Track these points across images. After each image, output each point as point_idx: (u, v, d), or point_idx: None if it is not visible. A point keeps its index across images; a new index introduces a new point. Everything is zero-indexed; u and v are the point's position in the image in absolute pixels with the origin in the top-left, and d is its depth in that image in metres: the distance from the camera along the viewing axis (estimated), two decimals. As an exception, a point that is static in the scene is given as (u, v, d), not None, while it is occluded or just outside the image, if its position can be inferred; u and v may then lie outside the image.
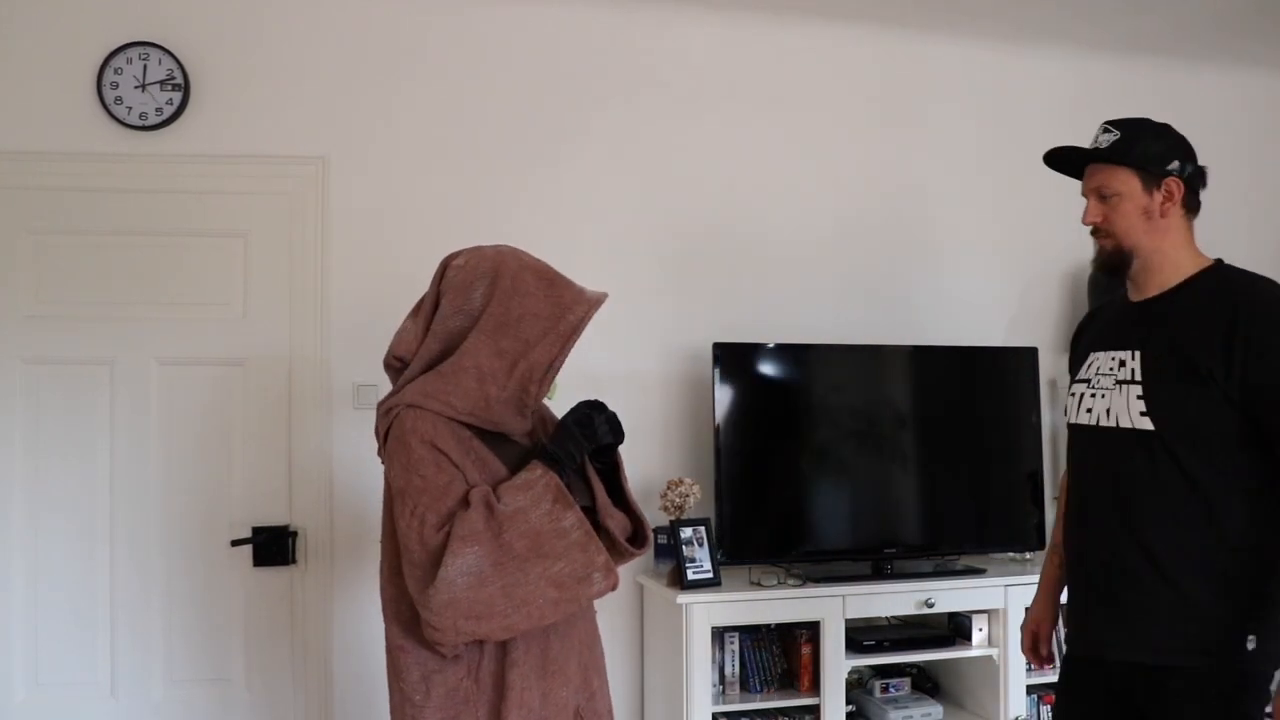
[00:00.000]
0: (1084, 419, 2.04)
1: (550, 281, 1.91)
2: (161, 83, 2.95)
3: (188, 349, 2.96)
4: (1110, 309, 2.16)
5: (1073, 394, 2.10)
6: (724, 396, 3.10)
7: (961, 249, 3.57)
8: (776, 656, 3.03)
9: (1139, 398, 1.92)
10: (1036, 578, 3.11)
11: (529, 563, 1.75)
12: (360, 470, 2.96)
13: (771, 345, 3.19)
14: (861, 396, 3.27)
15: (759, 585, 2.95)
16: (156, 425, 2.94)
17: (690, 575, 2.90)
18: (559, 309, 1.88)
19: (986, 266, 3.59)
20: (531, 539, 1.76)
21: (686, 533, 2.95)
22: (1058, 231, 3.69)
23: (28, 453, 2.88)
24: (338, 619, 2.99)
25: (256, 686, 2.97)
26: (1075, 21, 3.58)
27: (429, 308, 1.93)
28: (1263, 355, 1.81)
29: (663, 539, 3.14)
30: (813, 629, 2.96)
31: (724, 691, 2.96)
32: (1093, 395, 2.02)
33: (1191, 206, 1.99)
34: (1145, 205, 1.96)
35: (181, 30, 2.98)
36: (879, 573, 3.14)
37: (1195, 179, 1.98)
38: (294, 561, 2.98)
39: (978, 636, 3.11)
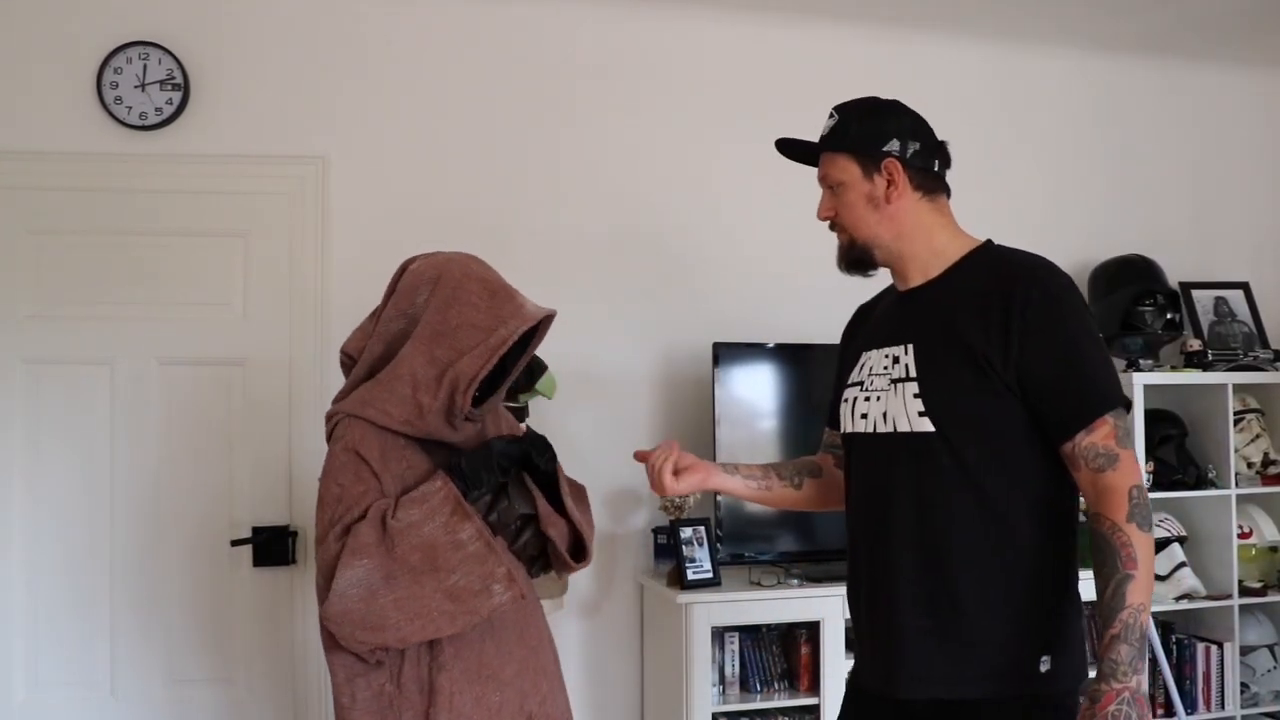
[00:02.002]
0: (860, 426, 1.81)
1: (494, 294, 1.89)
2: (161, 82, 2.95)
3: (188, 349, 2.96)
4: (881, 304, 1.96)
5: (845, 400, 1.87)
6: (724, 396, 3.10)
7: (961, 249, 3.57)
8: (776, 656, 3.03)
9: (916, 396, 1.71)
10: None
11: (423, 575, 1.75)
12: (360, 470, 2.96)
13: (771, 345, 3.19)
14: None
15: (759, 585, 2.95)
16: (156, 425, 2.94)
17: (690, 575, 2.90)
18: (496, 321, 1.86)
19: (986, 266, 3.59)
20: (425, 551, 1.75)
21: (686, 533, 2.94)
22: (1057, 231, 3.69)
23: (28, 453, 2.88)
24: (338, 619, 2.99)
25: (256, 686, 2.97)
26: (1080, 20, 3.57)
27: (379, 308, 1.95)
28: (1038, 335, 1.65)
29: (663, 539, 3.14)
30: (813, 629, 2.96)
31: (724, 691, 2.96)
32: (867, 399, 1.81)
33: (929, 188, 1.80)
34: (868, 192, 1.79)
35: (181, 30, 2.98)
36: (879, 573, 3.13)
37: (923, 158, 1.79)
38: (294, 561, 2.98)
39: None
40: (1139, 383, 3.36)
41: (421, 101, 3.15)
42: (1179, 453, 3.52)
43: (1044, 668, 1.67)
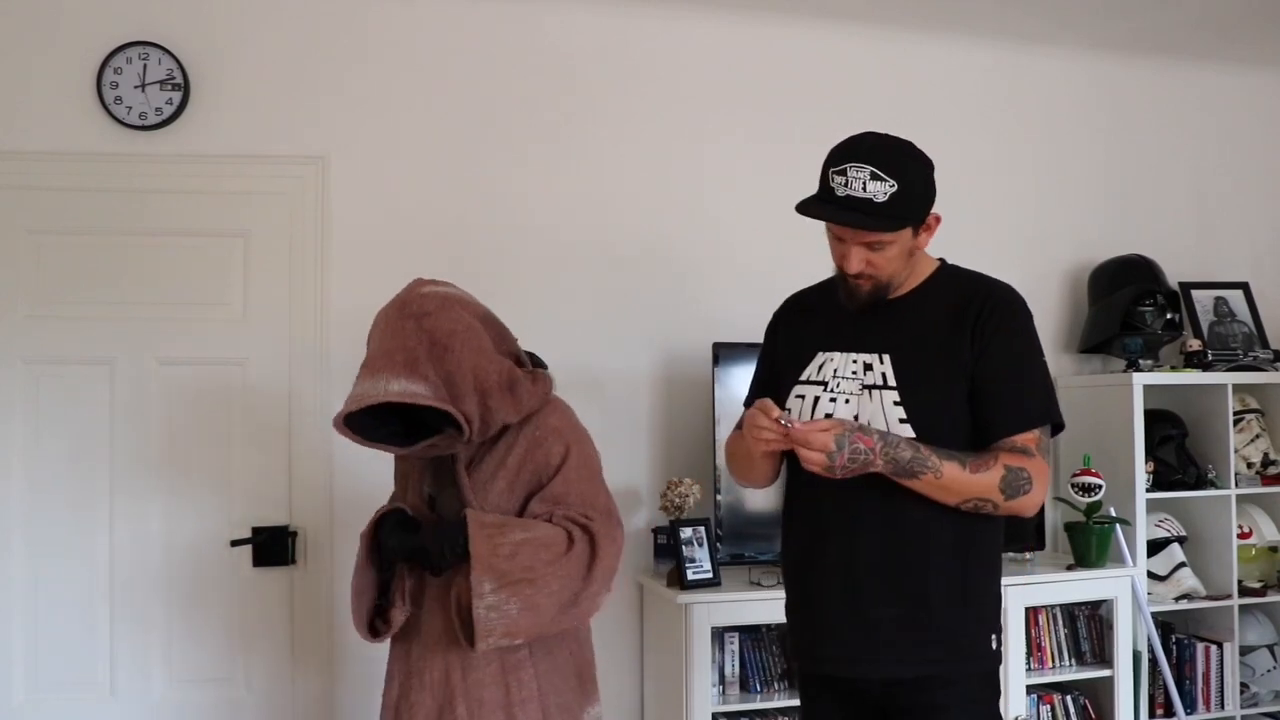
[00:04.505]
0: None
1: (362, 367, 2.03)
2: (161, 83, 2.95)
3: (188, 349, 2.96)
4: (826, 302, 2.01)
5: (801, 396, 1.91)
6: (724, 396, 3.10)
7: (961, 249, 3.55)
8: (776, 656, 3.03)
9: (896, 403, 1.82)
10: (1037, 578, 3.15)
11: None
12: (360, 470, 2.95)
13: (771, 345, 3.19)
14: (861, 396, 3.26)
15: (759, 585, 2.95)
16: (156, 425, 2.94)
17: (690, 575, 2.90)
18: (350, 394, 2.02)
19: (986, 267, 3.56)
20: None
21: (686, 533, 2.94)
22: (1057, 231, 3.70)
23: (28, 453, 2.88)
24: (338, 619, 2.98)
25: (256, 686, 2.97)
26: (1080, 20, 3.58)
27: None
28: (997, 343, 1.83)
29: (663, 539, 3.14)
30: (813, 629, 2.96)
31: (724, 691, 2.96)
32: (833, 400, 1.87)
33: None
34: (912, 246, 1.88)
35: (181, 30, 2.98)
36: (879, 573, 3.14)
37: None
38: (294, 561, 2.98)
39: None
40: (1139, 383, 3.36)
41: (421, 101, 3.15)
42: (1179, 453, 3.52)
43: (994, 645, 1.89)
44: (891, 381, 1.84)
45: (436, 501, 2.10)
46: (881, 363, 1.86)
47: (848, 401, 1.86)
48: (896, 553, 1.83)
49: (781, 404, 1.94)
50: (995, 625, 1.91)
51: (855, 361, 1.89)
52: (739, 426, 2.04)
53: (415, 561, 2.03)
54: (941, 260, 1.98)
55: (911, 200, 1.81)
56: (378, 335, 2.02)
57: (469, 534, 1.93)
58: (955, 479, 1.76)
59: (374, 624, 2.11)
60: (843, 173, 1.80)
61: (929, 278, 1.94)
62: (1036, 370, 1.88)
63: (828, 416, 1.86)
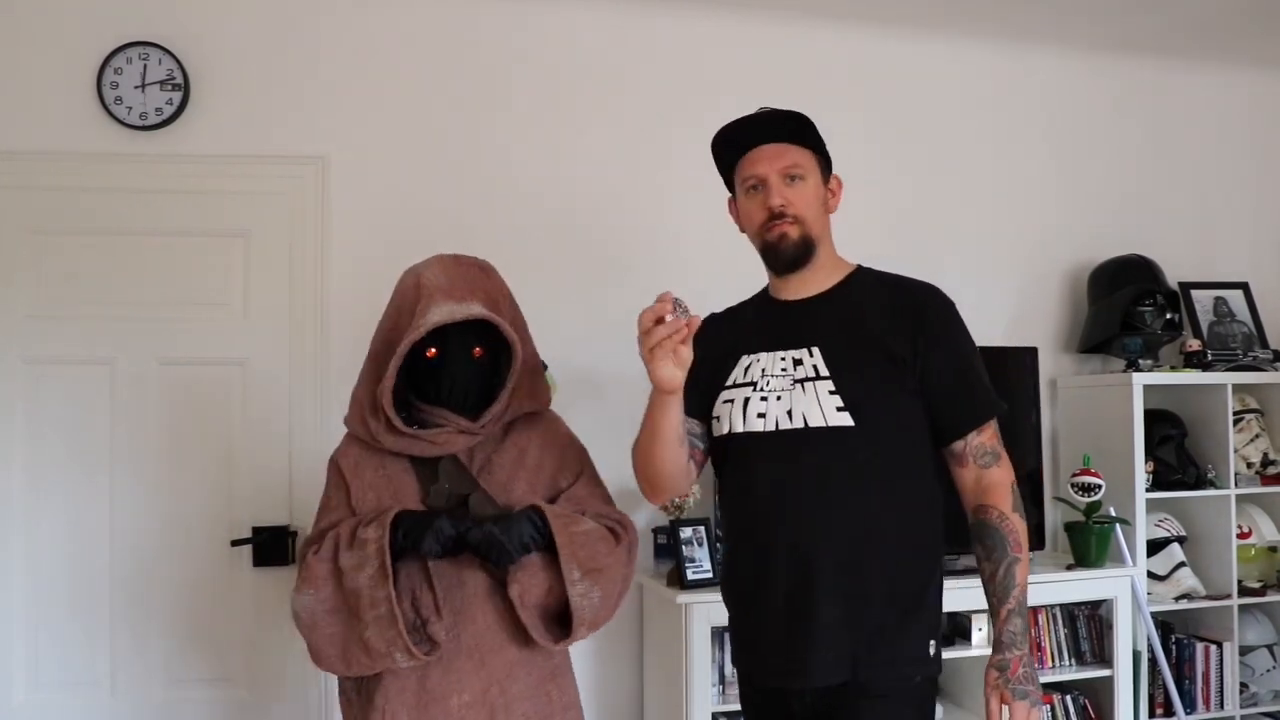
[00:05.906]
0: (757, 425, 1.81)
1: (415, 301, 1.88)
2: (161, 83, 2.95)
3: (188, 349, 2.96)
4: (746, 314, 2.00)
5: (730, 400, 1.85)
6: (724, 396, 3.10)
7: (961, 249, 3.57)
8: (776, 656, 3.03)
9: (831, 392, 1.77)
10: (1036, 577, 3.11)
11: (352, 619, 1.82)
12: (360, 470, 2.96)
13: (771, 345, 3.19)
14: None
15: (759, 585, 2.95)
16: (156, 425, 2.94)
17: (690, 575, 2.90)
18: (399, 335, 1.87)
19: (986, 266, 3.59)
20: (354, 597, 1.81)
21: (686, 533, 2.95)
22: (1057, 231, 3.70)
23: (28, 453, 2.88)
24: (338, 619, 2.99)
25: (256, 686, 2.97)
26: (1080, 21, 3.57)
27: None
28: (942, 343, 1.82)
29: (663, 539, 3.14)
30: (812, 629, 2.96)
31: (724, 691, 2.96)
32: (764, 399, 1.81)
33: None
34: (823, 195, 1.89)
35: (181, 30, 2.98)
36: (879, 573, 3.13)
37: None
38: (294, 561, 2.98)
39: (977, 636, 3.10)
40: (1139, 383, 3.36)
41: (421, 101, 3.15)
42: (1178, 453, 3.52)
43: (932, 651, 1.83)
44: (824, 372, 1.79)
45: (470, 501, 1.92)
46: (811, 355, 1.82)
47: (779, 398, 1.80)
48: (843, 551, 1.76)
49: (709, 415, 1.91)
50: (935, 631, 1.84)
51: (783, 359, 1.84)
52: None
53: (479, 554, 1.83)
54: (858, 264, 1.96)
55: (814, 133, 1.88)
56: (440, 271, 1.90)
57: (548, 520, 1.84)
58: (1027, 569, 1.81)
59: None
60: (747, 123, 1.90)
61: (848, 277, 1.92)
62: (980, 366, 1.89)
63: (760, 416, 1.82)
